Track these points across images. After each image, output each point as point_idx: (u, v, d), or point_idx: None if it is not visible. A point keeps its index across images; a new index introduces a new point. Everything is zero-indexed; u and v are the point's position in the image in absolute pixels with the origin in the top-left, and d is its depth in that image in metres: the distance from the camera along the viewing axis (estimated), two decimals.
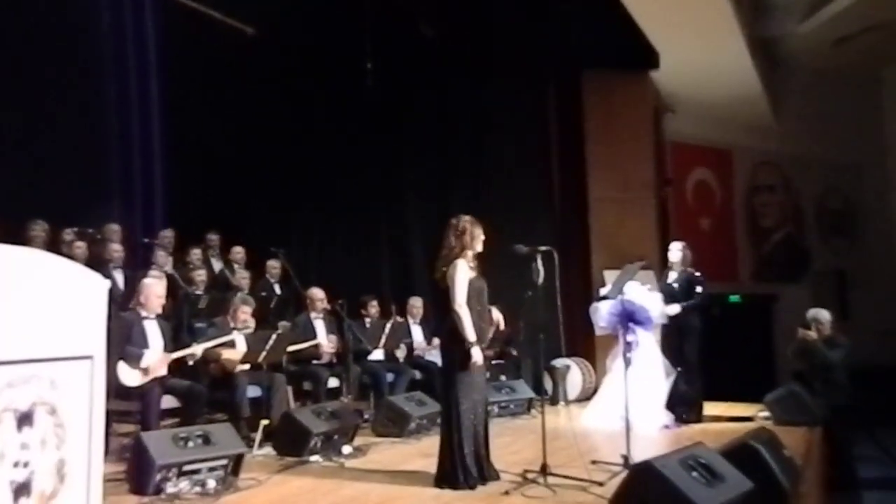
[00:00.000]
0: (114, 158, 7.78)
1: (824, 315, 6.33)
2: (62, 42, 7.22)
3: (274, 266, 7.43)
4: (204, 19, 7.97)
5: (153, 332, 4.92)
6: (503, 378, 7.14)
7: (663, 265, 8.37)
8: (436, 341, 7.27)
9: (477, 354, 3.98)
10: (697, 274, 6.41)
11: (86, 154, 7.53)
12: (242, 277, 7.10)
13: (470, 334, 3.97)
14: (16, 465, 1.80)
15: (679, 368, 6.13)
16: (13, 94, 7.00)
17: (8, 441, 1.79)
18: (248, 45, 8.37)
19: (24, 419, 1.82)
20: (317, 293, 6.42)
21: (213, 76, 8.23)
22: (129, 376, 4.67)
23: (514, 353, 7.57)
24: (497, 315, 4.52)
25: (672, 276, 6.42)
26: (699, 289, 6.32)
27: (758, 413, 6.35)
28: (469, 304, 4.02)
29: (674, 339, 6.29)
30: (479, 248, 4.18)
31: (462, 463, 3.98)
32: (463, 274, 4.03)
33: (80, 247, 6.33)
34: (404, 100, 8.80)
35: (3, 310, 1.79)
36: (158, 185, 7.98)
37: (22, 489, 1.81)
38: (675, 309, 6.21)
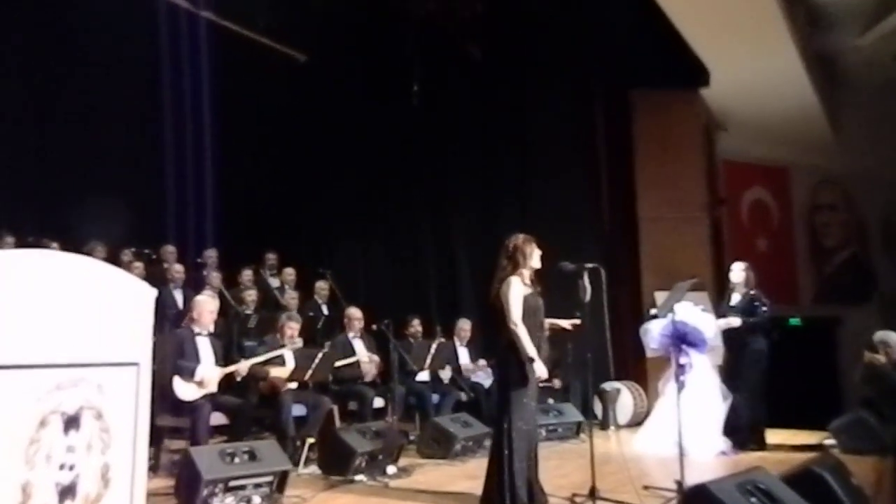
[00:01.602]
0: (171, 181, 8.05)
1: (893, 338, 6.00)
2: (118, 68, 7.56)
3: (322, 287, 7.53)
4: (257, 46, 8.23)
5: (205, 348, 5.02)
6: (551, 401, 7.00)
7: (718, 286, 8.15)
8: (482, 362, 7.22)
9: (539, 368, 3.90)
10: (759, 294, 6.13)
11: (143, 177, 7.82)
12: (291, 298, 7.21)
13: (530, 350, 3.89)
14: (62, 467, 1.82)
15: (739, 394, 5.89)
16: (70, 118, 7.35)
17: (55, 443, 1.82)
18: (300, 71, 8.59)
19: (71, 422, 1.85)
20: (355, 313, 6.45)
21: (266, 101, 8.46)
22: (184, 390, 4.76)
23: (560, 377, 7.41)
24: (564, 323, 4.35)
25: (735, 299, 6.15)
26: (764, 309, 6.05)
27: (823, 441, 6.04)
28: (524, 321, 3.95)
29: (736, 362, 6.04)
30: (536, 264, 4.11)
31: (511, 483, 3.88)
32: (516, 291, 3.98)
33: (138, 267, 6.55)
34: (451, 120, 8.85)
35: (55, 313, 1.83)
36: (212, 206, 8.21)
37: (67, 492, 1.83)
38: (735, 321, 5.95)
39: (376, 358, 6.32)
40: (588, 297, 4.05)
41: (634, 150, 8.75)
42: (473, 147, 8.92)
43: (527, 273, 4.10)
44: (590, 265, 4.10)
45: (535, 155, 8.75)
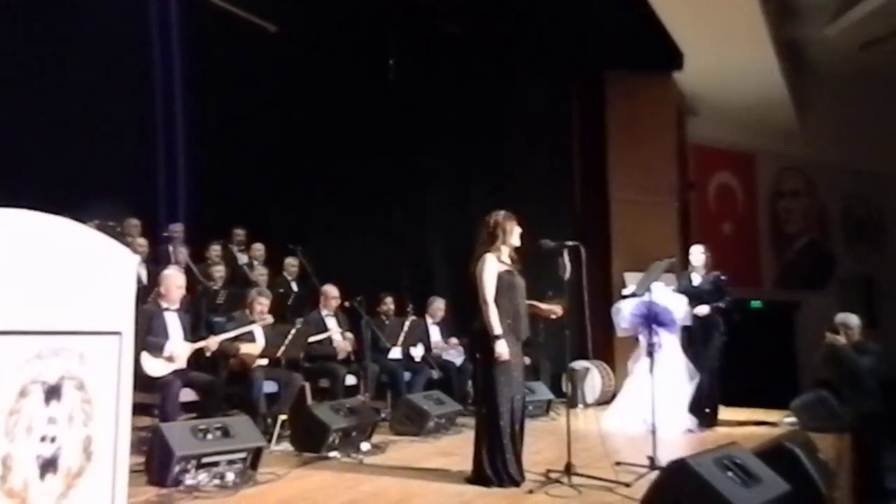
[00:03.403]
0: (135, 152, 7.81)
1: (853, 320, 6.18)
2: (87, 37, 7.25)
3: (292, 263, 7.42)
4: (227, 16, 7.99)
5: (173, 324, 4.90)
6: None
7: (686, 268, 8.28)
8: (453, 341, 7.23)
9: (501, 348, 3.88)
10: (723, 277, 6.31)
11: (107, 147, 7.55)
12: (261, 274, 7.09)
13: (496, 328, 3.87)
14: (43, 439, 1.74)
15: (705, 374, 6.05)
16: (30, 85, 7.04)
17: (35, 414, 1.73)
18: (271, 42, 8.37)
19: (52, 392, 1.76)
20: (331, 290, 6.38)
21: (236, 72, 8.23)
22: (153, 366, 4.65)
23: (531, 355, 7.45)
24: (549, 307, 4.25)
25: (697, 279, 6.32)
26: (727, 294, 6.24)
27: (783, 419, 6.22)
28: (499, 300, 3.93)
29: (698, 342, 6.17)
30: (516, 241, 4.09)
31: (502, 459, 3.89)
32: (490, 269, 3.95)
33: None
34: (426, 96, 8.76)
35: (35, 277, 1.74)
36: (179, 179, 8.00)
37: (48, 465, 1.75)
38: (704, 310, 6.12)
39: (350, 336, 6.27)
40: (568, 275, 4.05)
41: (607, 131, 8.80)
42: (448, 124, 8.85)
43: (505, 250, 4.08)
44: (570, 243, 4.10)
45: (509, 134, 8.73)
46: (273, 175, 8.40)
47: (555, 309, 4.19)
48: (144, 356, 4.63)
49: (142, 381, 4.63)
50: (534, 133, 8.56)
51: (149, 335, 4.71)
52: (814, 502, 3.26)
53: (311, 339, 5.86)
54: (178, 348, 4.78)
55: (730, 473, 2.96)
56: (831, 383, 6.25)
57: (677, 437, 5.58)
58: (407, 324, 6.68)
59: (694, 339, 6.18)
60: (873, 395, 5.97)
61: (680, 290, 6.20)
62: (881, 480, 5.88)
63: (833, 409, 5.78)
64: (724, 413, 6.42)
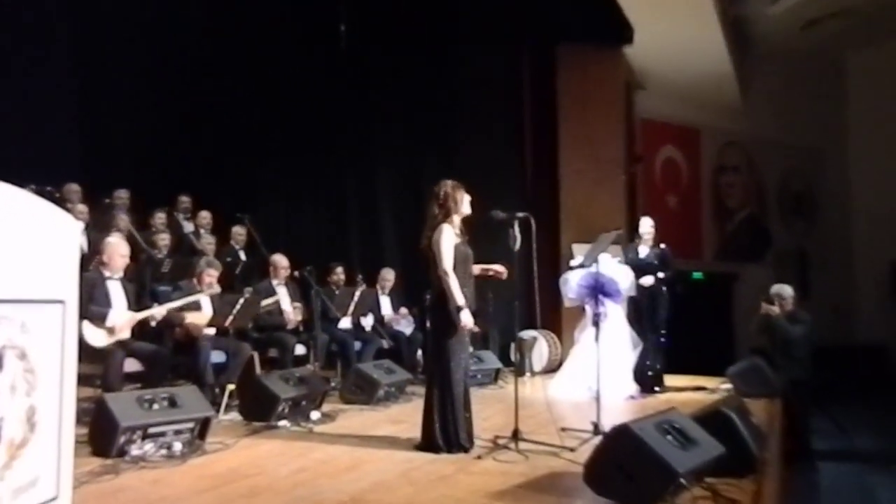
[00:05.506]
0: (77, 115, 7.49)
1: (787, 291, 6.45)
2: None
3: (239, 232, 7.32)
4: None
5: (116, 293, 4.78)
6: (470, 348, 7.13)
7: (632, 240, 8.48)
8: (403, 311, 7.26)
9: (466, 317, 3.93)
10: (668, 250, 6.52)
11: (47, 109, 7.23)
12: (208, 243, 6.97)
13: (458, 298, 3.91)
14: None
15: (649, 342, 6.26)
16: None
17: None
18: (220, 5, 8.09)
19: None
20: (280, 260, 6.32)
21: (183, 36, 7.94)
22: (94, 336, 4.53)
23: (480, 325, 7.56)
24: (496, 268, 4.27)
25: (644, 251, 6.48)
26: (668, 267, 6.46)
27: (719, 385, 6.49)
28: (455, 270, 3.96)
29: (646, 312, 6.36)
30: (467, 210, 4.11)
31: (455, 429, 3.95)
32: (448, 239, 3.97)
33: None
34: (377, 66, 8.64)
35: None
36: (122, 143, 7.72)
37: None
38: (649, 280, 6.32)
39: (300, 305, 6.23)
40: (518, 245, 4.10)
41: (558, 104, 8.85)
42: (400, 95, 8.75)
43: (457, 220, 4.10)
44: (520, 214, 4.14)
45: (461, 106, 8.71)
46: (221, 142, 8.19)
47: (500, 270, 4.23)
48: (86, 325, 4.51)
49: (84, 352, 4.54)
50: (485, 104, 8.56)
51: (91, 304, 4.58)
52: (746, 463, 3.43)
53: (264, 302, 5.80)
54: (121, 318, 4.67)
55: (669, 437, 3.09)
56: (765, 351, 6.54)
57: (620, 404, 5.77)
58: (357, 294, 6.67)
59: (640, 309, 6.36)
60: (803, 363, 6.27)
61: (626, 262, 6.35)
62: (808, 442, 6.24)
63: (766, 376, 6.04)
64: (666, 380, 6.66)
